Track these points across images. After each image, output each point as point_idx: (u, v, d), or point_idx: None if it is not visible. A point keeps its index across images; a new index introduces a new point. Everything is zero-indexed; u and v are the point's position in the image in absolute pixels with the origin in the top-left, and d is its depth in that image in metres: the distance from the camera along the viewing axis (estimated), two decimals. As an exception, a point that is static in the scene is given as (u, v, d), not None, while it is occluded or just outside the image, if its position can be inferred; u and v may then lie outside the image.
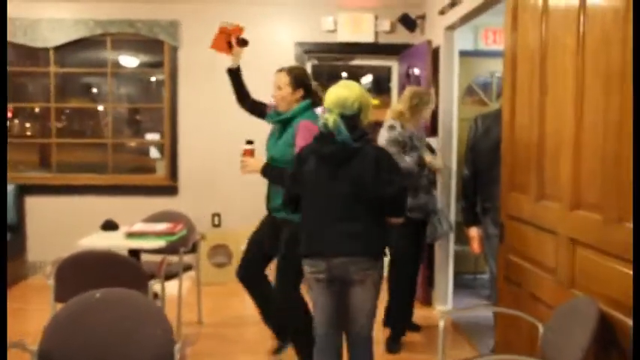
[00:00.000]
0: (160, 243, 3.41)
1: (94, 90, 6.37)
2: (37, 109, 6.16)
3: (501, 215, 2.80)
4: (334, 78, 6.09)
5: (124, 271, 2.96)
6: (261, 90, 5.49)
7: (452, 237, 4.62)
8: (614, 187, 1.84)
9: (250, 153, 3.18)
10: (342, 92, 2.59)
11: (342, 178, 2.52)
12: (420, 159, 3.73)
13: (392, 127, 3.73)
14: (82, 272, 2.93)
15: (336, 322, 2.66)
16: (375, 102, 6.93)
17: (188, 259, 4.11)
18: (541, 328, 2.21)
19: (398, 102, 3.99)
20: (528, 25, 2.52)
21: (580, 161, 2.08)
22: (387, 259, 2.81)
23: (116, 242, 3.48)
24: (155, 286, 3.25)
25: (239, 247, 5.50)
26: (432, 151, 4.02)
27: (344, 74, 7.05)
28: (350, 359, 2.71)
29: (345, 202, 2.52)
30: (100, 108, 6.11)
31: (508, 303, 2.70)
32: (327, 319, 2.65)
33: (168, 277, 3.80)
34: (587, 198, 2.04)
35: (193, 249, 4.15)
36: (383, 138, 3.72)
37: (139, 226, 3.64)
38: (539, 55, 2.40)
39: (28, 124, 6.51)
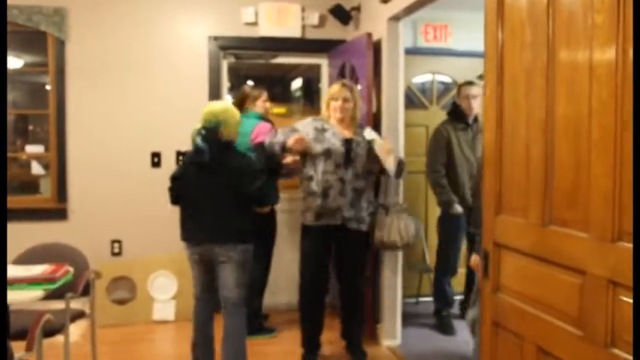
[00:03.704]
0: (36, 294, 2.57)
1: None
2: None
3: (484, 242, 2.23)
4: (254, 79, 5.37)
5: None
6: (172, 90, 4.78)
7: (400, 267, 4.07)
8: None
9: None
10: (207, 108, 3.26)
11: (213, 183, 3.17)
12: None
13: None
14: None
15: (208, 290, 3.34)
16: (282, 110, 6.42)
17: (79, 303, 3.26)
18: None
19: None
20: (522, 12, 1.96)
21: (622, 174, 1.53)
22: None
23: (-28, 296, 2.56)
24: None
25: (145, 278, 4.64)
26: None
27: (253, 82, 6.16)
28: (224, 322, 3.28)
29: (213, 202, 3.17)
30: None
31: (497, 356, 2.13)
32: (202, 288, 3.35)
33: (54, 332, 2.96)
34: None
35: (85, 291, 3.28)
36: None
37: (8, 271, 2.71)
38: (547, 47, 1.83)
39: None
